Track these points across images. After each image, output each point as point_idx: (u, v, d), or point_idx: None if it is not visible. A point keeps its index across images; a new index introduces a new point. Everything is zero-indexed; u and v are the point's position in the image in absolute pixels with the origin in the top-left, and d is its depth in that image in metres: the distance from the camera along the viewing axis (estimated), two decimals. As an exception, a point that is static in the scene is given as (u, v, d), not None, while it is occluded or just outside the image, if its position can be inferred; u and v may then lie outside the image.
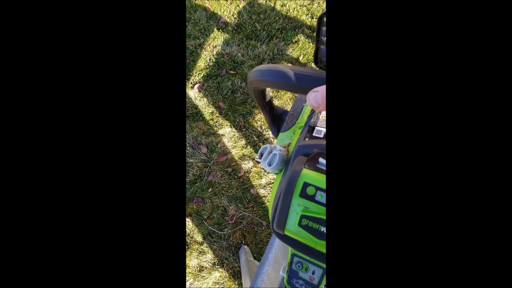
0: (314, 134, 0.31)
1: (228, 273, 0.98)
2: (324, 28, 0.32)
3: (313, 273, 0.27)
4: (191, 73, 1.41)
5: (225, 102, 1.30)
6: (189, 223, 1.08)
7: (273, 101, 0.39)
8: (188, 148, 1.22)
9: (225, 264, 1.00)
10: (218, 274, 0.99)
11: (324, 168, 0.25)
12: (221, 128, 1.26)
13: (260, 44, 1.41)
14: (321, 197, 0.23)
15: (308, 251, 0.25)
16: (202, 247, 1.04)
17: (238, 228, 1.05)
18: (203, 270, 1.01)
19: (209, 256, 1.02)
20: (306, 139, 0.30)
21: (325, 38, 0.33)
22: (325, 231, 0.23)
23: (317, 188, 0.23)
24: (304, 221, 0.23)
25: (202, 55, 1.45)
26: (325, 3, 1.43)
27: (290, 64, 1.36)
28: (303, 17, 1.43)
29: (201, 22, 1.53)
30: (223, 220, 1.08)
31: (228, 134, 1.24)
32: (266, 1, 1.52)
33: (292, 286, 0.28)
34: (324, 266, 0.26)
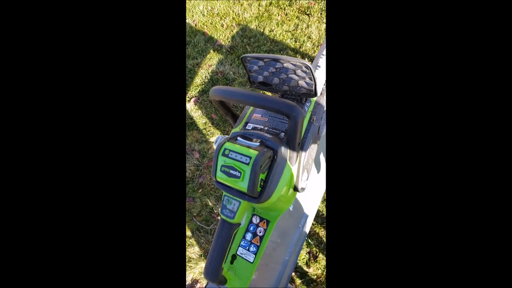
0: (246, 127, 0.47)
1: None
2: (247, 65, 0.49)
3: (234, 205, 0.41)
4: (188, 88, 1.60)
5: (217, 114, 1.47)
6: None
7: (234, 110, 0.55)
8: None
9: (210, 256, 1.12)
10: (204, 264, 1.10)
11: (238, 141, 0.41)
12: (212, 136, 1.42)
13: (250, 63, 1.61)
14: (231, 154, 0.38)
15: (230, 190, 0.40)
16: (190, 240, 1.16)
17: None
18: (191, 261, 1.12)
19: (196, 248, 1.14)
20: (242, 129, 0.46)
21: (250, 72, 0.50)
22: (237, 174, 0.37)
23: (230, 150, 0.38)
24: (223, 168, 0.38)
25: (199, 73, 1.64)
26: (308, 28, 1.63)
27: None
28: (288, 41, 1.63)
29: (200, 45, 1.74)
30: (210, 217, 1.20)
31: (218, 141, 1.41)
32: (256, 27, 1.73)
33: (223, 214, 0.42)
34: (240, 199, 0.41)
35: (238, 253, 0.47)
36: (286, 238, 0.52)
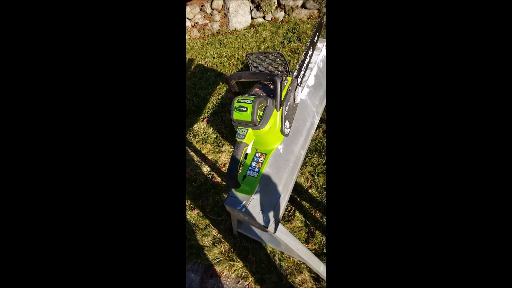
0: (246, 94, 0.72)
1: (224, 249, 1.22)
2: (249, 61, 0.77)
3: (244, 131, 0.63)
4: (201, 111, 1.91)
5: (226, 129, 1.74)
6: (195, 215, 1.37)
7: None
8: (197, 161, 1.60)
9: (221, 243, 1.25)
10: (217, 251, 1.23)
11: (246, 95, 0.66)
12: (222, 146, 1.66)
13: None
14: (242, 100, 0.63)
15: (242, 123, 0.63)
16: (204, 232, 1.31)
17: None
18: (204, 248, 1.25)
19: (209, 238, 1.28)
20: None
21: (252, 65, 0.78)
22: (244, 109, 0.61)
23: (241, 99, 0.63)
24: (236, 108, 0.62)
25: (211, 100, 1.97)
26: (297, 63, 2.01)
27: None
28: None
29: (211, 79, 2.12)
30: (221, 211, 1.37)
31: (227, 150, 1.64)
32: (257, 63, 2.13)
33: (238, 138, 0.64)
34: (247, 127, 0.63)
35: (247, 174, 0.68)
36: (280, 170, 0.72)
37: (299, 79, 0.81)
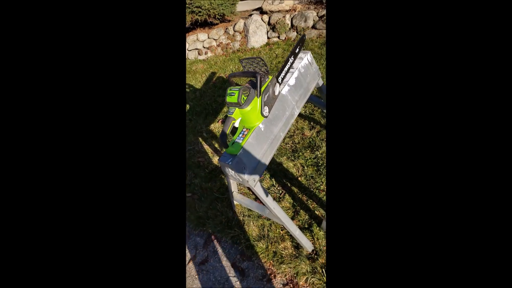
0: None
1: (224, 220, 1.48)
2: (242, 64, 1.08)
3: (233, 110, 0.92)
4: (218, 114, 2.25)
5: (235, 129, 2.06)
6: (205, 193, 1.66)
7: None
8: (210, 153, 1.91)
9: (222, 215, 1.51)
10: (218, 221, 1.49)
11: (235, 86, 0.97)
12: (232, 142, 1.97)
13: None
14: (232, 89, 0.93)
15: (231, 104, 0.92)
16: (210, 206, 1.58)
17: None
18: (209, 219, 1.52)
19: (214, 211, 1.55)
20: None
21: (243, 67, 1.08)
22: (233, 94, 0.91)
23: (232, 88, 0.93)
24: (228, 93, 0.92)
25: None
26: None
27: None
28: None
29: (228, 88, 2.49)
30: (225, 191, 1.64)
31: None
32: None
33: (228, 113, 0.95)
34: (235, 107, 0.92)
35: (235, 141, 0.96)
36: (260, 143, 1.00)
37: (280, 78, 1.09)
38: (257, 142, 0.99)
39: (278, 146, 1.06)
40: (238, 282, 1.23)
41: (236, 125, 0.97)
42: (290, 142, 1.77)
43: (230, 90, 0.94)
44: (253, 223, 1.40)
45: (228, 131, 0.93)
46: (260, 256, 1.27)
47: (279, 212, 1.08)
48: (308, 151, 1.66)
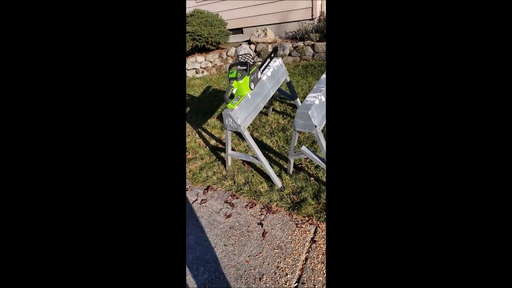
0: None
1: (220, 176, 2.01)
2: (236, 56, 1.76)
3: (231, 84, 1.56)
4: (214, 113, 2.86)
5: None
6: (206, 160, 2.19)
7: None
8: (208, 137, 2.48)
9: (219, 173, 2.04)
10: (215, 177, 2.02)
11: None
12: (224, 130, 2.55)
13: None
14: (231, 69, 1.58)
15: (231, 79, 1.57)
16: (209, 166, 2.11)
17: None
18: (209, 176, 2.04)
19: (214, 170, 2.08)
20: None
21: (238, 59, 1.75)
22: (233, 72, 1.56)
23: (231, 69, 1.58)
24: (229, 72, 1.56)
25: (220, 107, 2.94)
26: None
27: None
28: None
29: (221, 96, 3.13)
30: (221, 160, 2.18)
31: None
32: (253, 86, 3.16)
33: (229, 84, 1.55)
34: (234, 80, 1.56)
35: (233, 101, 1.57)
36: (248, 106, 1.62)
37: (261, 69, 1.75)
38: (246, 104, 1.61)
39: (258, 112, 1.68)
40: (229, 210, 1.73)
41: (234, 93, 1.60)
42: (268, 128, 2.39)
43: (231, 70, 1.58)
44: (241, 175, 1.94)
45: (229, 94, 1.54)
46: (245, 194, 1.80)
47: (257, 151, 1.65)
48: (281, 132, 2.28)
